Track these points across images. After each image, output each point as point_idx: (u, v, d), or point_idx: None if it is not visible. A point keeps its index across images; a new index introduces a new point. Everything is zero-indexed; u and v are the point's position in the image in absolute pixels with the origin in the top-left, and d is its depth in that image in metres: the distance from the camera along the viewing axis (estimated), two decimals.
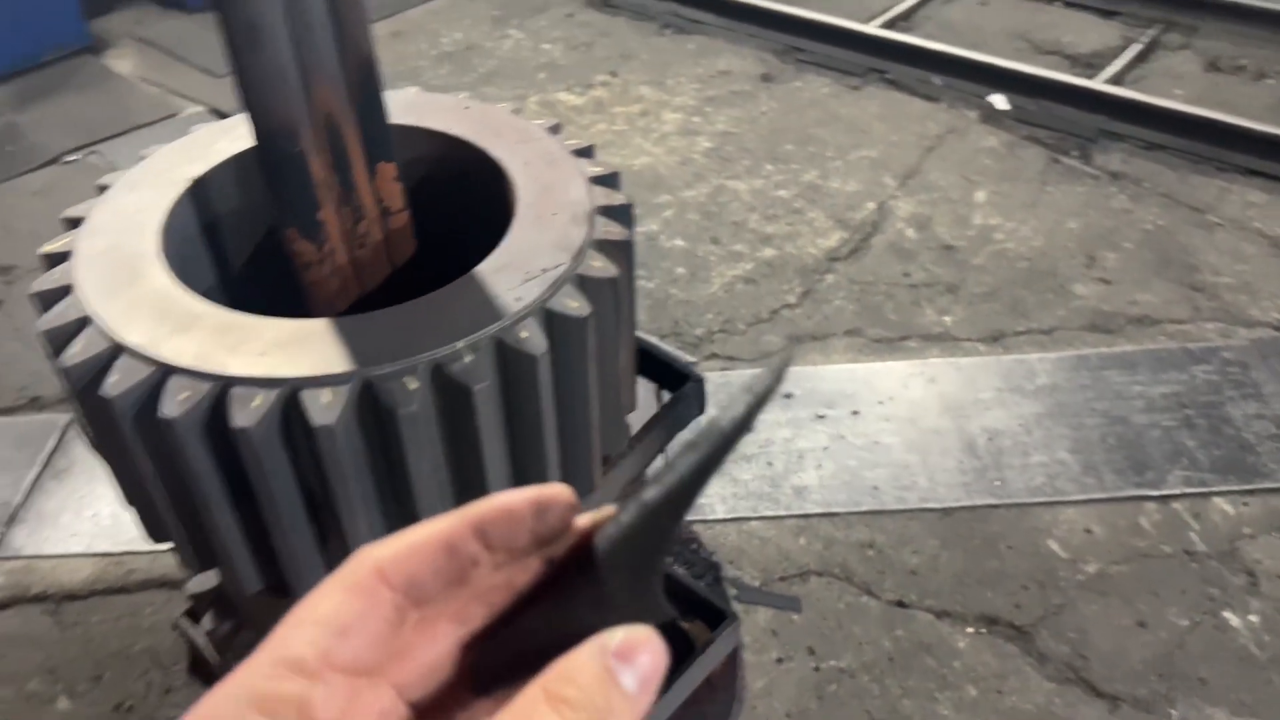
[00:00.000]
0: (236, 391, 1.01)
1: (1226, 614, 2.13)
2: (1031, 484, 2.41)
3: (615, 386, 1.28)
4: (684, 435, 2.14)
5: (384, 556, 0.45)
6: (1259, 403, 2.58)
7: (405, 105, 1.43)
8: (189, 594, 1.45)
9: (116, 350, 1.06)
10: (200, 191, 1.32)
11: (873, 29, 4.26)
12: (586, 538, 0.47)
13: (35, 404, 2.74)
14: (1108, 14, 4.53)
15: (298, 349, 1.05)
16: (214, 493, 1.09)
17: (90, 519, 2.41)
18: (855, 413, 2.62)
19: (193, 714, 0.40)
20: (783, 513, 2.37)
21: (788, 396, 2.66)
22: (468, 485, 1.15)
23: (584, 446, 1.24)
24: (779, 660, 2.08)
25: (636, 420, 1.48)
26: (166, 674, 2.08)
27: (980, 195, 3.42)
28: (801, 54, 4.30)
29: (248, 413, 1.00)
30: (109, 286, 1.14)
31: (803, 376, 2.72)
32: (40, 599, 2.25)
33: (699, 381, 1.53)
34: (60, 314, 1.12)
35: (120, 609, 2.22)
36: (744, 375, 2.74)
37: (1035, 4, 4.67)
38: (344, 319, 1.10)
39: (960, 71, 4.01)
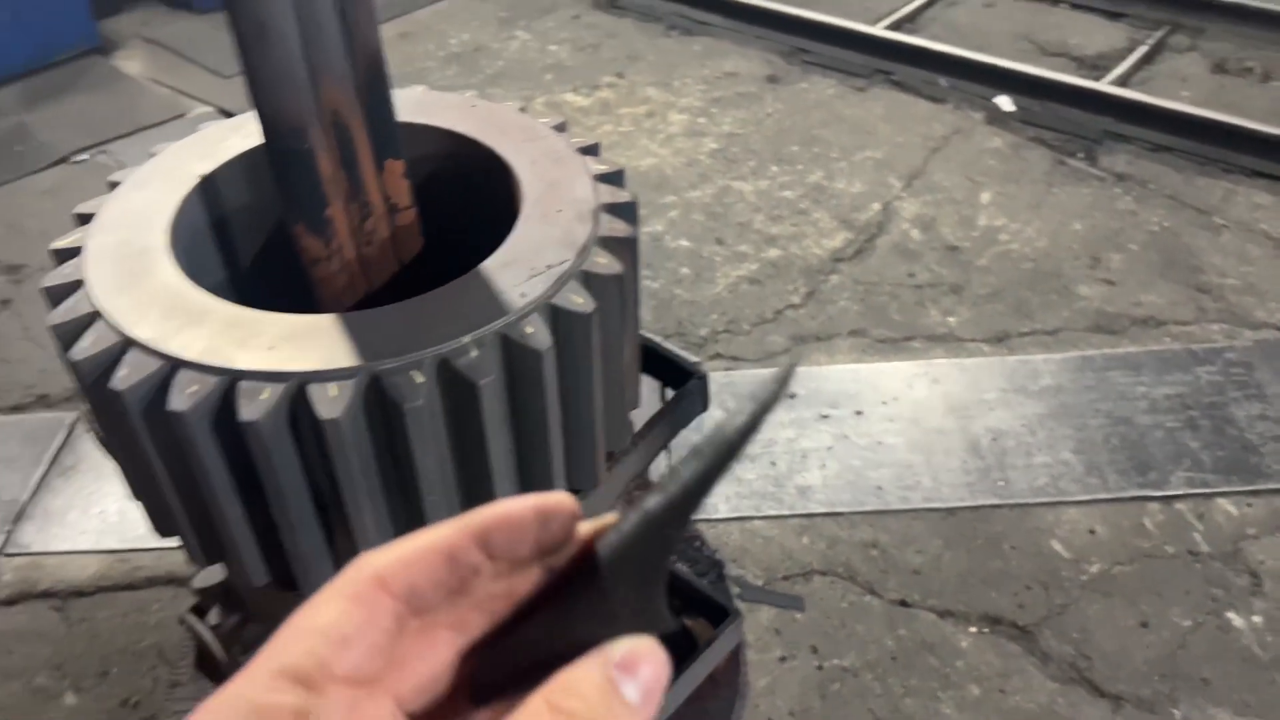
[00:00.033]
0: (244, 385, 1.02)
1: (1230, 615, 2.13)
2: (1035, 484, 2.41)
3: (619, 382, 1.29)
4: (689, 439, 2.15)
5: (384, 565, 0.44)
6: (1263, 404, 2.59)
7: (412, 103, 1.44)
8: (195, 588, 1.46)
9: (126, 344, 1.07)
10: (209, 188, 1.33)
11: (878, 30, 4.27)
12: (588, 546, 0.47)
13: (43, 402, 2.76)
14: (1114, 16, 4.54)
15: (305, 343, 1.06)
16: (221, 486, 1.10)
17: (97, 516, 2.43)
18: (859, 413, 2.62)
19: None
20: (786, 512, 2.38)
21: (792, 397, 2.67)
22: (473, 480, 1.16)
23: (588, 442, 1.25)
24: (782, 659, 2.08)
25: (640, 418, 1.49)
26: (173, 670, 2.09)
27: (985, 196, 3.43)
28: (807, 55, 4.31)
29: (255, 406, 1.01)
30: (119, 282, 1.15)
31: (807, 377, 2.73)
32: (47, 595, 2.27)
33: (702, 378, 1.53)
34: (70, 309, 1.13)
35: (127, 605, 2.24)
36: (748, 374, 2.75)
37: (1041, 5, 4.68)
38: (351, 314, 1.11)
39: (966, 73, 4.01)
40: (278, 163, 1.16)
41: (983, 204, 3.39)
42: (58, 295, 1.16)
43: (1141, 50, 4.21)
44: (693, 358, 1.55)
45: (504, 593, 0.47)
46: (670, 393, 1.56)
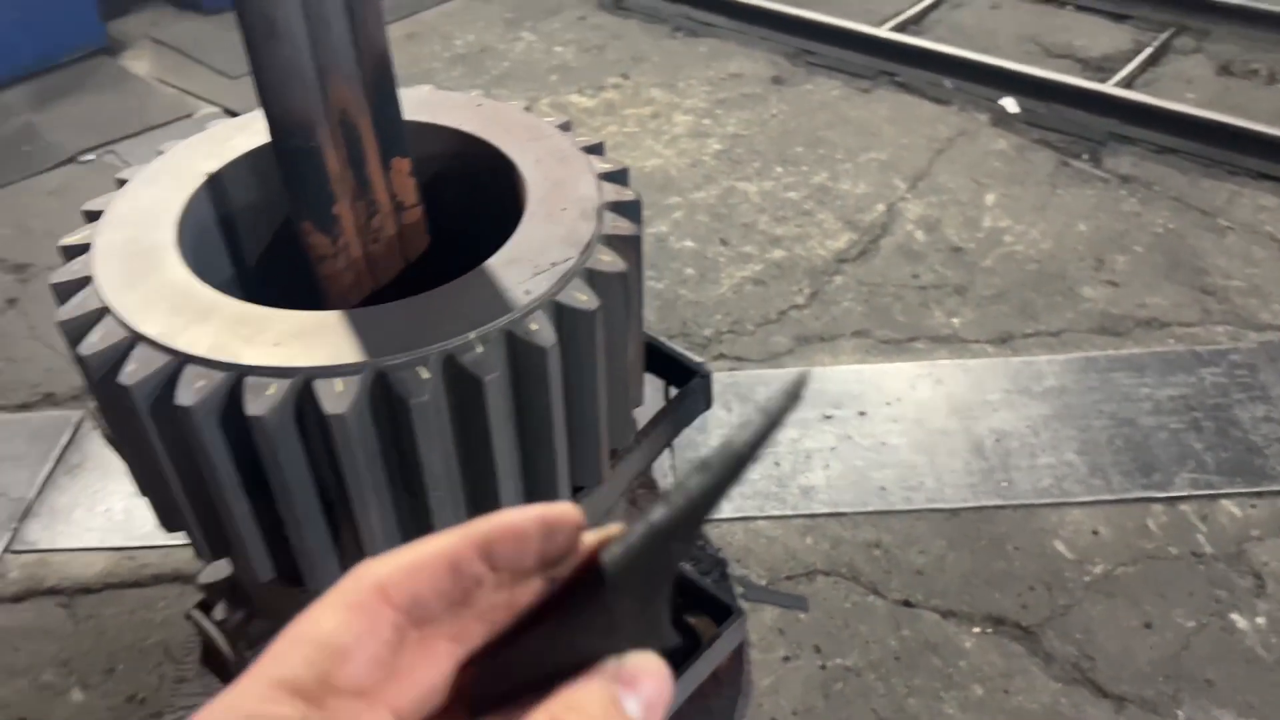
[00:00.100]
0: (251, 380, 1.03)
1: (1234, 616, 2.13)
2: (1039, 485, 2.41)
3: (623, 380, 1.30)
4: (692, 438, 2.15)
5: (386, 574, 0.43)
6: (1267, 405, 2.58)
7: (419, 103, 1.45)
8: (200, 584, 1.47)
9: (134, 340, 1.08)
10: (217, 186, 1.34)
11: (883, 32, 4.27)
12: (592, 557, 0.46)
13: (49, 400, 2.77)
14: (1119, 17, 4.53)
15: (311, 339, 1.07)
16: (228, 480, 1.10)
17: (103, 514, 2.44)
18: (863, 413, 2.63)
19: None
20: (790, 512, 2.38)
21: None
22: (477, 476, 1.16)
23: (592, 439, 1.25)
24: (786, 658, 2.09)
25: (643, 417, 1.50)
26: (179, 666, 2.10)
27: (990, 198, 3.43)
28: (812, 57, 4.32)
29: (262, 401, 1.01)
30: (127, 278, 1.16)
31: (810, 377, 2.73)
32: (54, 592, 2.28)
33: (705, 377, 1.54)
34: (79, 305, 1.14)
35: (133, 603, 2.25)
36: (752, 375, 2.75)
37: (1046, 7, 4.68)
38: (357, 311, 1.12)
39: (971, 75, 4.01)
40: (285, 160, 1.17)
41: (987, 205, 3.40)
42: (66, 291, 1.17)
43: (1147, 52, 4.21)
44: (696, 357, 1.56)
45: (505, 603, 0.46)
46: (674, 391, 1.57)
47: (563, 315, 1.12)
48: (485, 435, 1.12)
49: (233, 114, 3.99)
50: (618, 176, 1.33)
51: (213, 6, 4.82)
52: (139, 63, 4.56)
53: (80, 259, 1.21)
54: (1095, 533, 2.31)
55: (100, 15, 4.52)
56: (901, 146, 3.72)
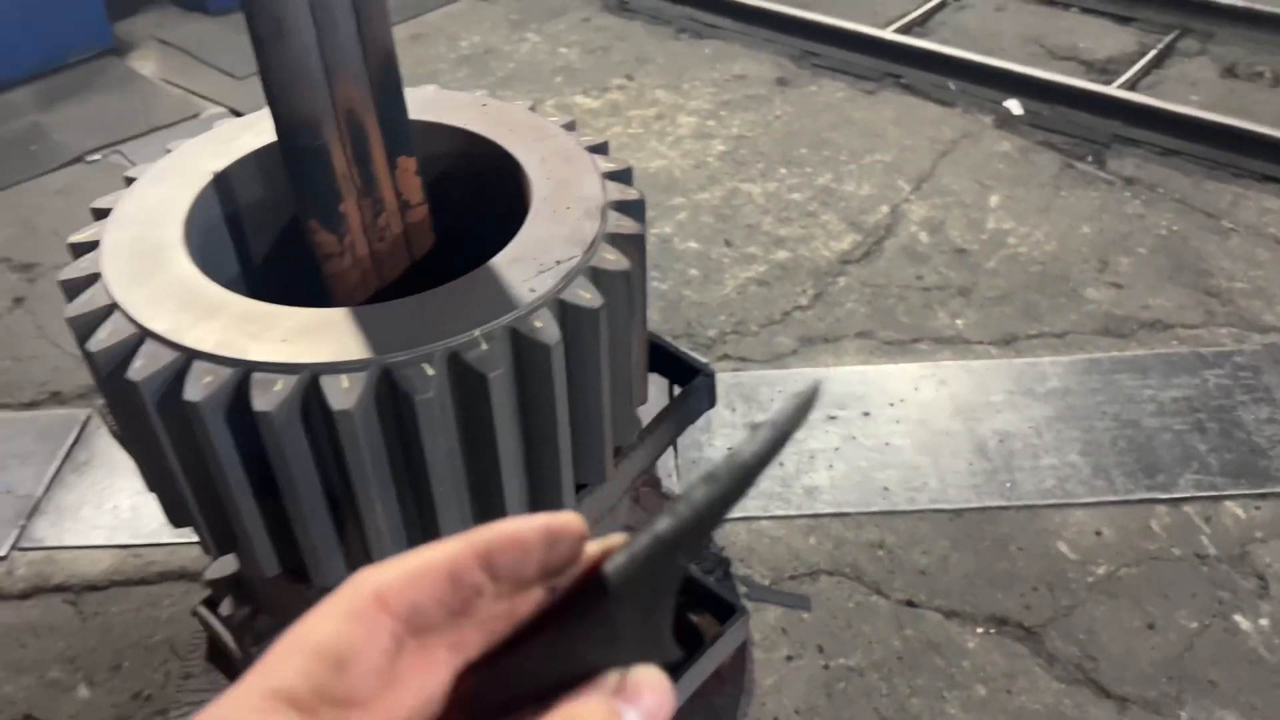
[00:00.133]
0: (258, 376, 1.04)
1: (1237, 617, 2.13)
2: (1042, 486, 2.41)
3: (627, 378, 1.30)
4: (695, 438, 2.14)
5: (385, 582, 0.42)
6: (1271, 407, 2.58)
7: (424, 102, 1.46)
8: (207, 580, 1.47)
9: (142, 336, 1.09)
10: (224, 184, 1.35)
11: (888, 34, 4.28)
12: (594, 567, 0.45)
13: (56, 399, 2.79)
14: (1123, 20, 4.54)
15: (318, 336, 1.08)
16: (235, 476, 1.11)
17: (110, 511, 2.45)
18: (866, 414, 2.63)
19: None
20: (793, 512, 2.39)
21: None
22: (482, 473, 1.17)
23: (596, 436, 1.26)
24: (789, 658, 2.09)
25: (647, 415, 1.50)
26: (184, 663, 2.11)
27: (994, 200, 3.43)
28: (817, 59, 4.32)
29: (269, 397, 1.02)
30: (135, 275, 1.17)
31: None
32: (61, 589, 2.29)
33: (709, 375, 1.55)
34: (87, 301, 1.15)
35: (139, 600, 2.26)
36: (755, 375, 2.76)
37: (1051, 10, 4.68)
38: (362, 308, 1.13)
39: (975, 76, 4.02)
40: (292, 159, 1.17)
41: (991, 207, 3.40)
42: (75, 288, 1.18)
43: (1151, 54, 4.21)
44: (700, 357, 1.57)
45: (505, 613, 0.45)
46: (678, 390, 1.57)
47: (567, 313, 1.13)
48: (490, 432, 1.12)
49: (238, 114, 4.01)
50: (622, 176, 1.33)
51: (218, 8, 4.84)
52: (145, 63, 4.58)
53: (89, 256, 1.22)
54: (1098, 534, 2.31)
55: (107, 16, 4.54)
56: (906, 148, 3.72)
